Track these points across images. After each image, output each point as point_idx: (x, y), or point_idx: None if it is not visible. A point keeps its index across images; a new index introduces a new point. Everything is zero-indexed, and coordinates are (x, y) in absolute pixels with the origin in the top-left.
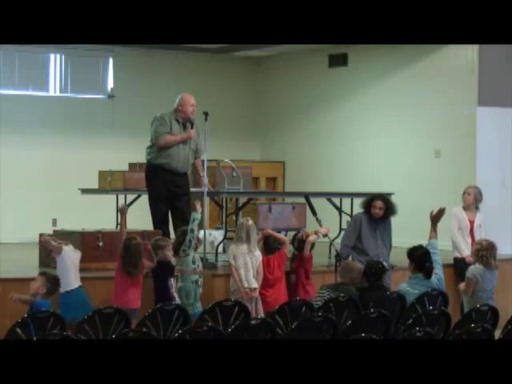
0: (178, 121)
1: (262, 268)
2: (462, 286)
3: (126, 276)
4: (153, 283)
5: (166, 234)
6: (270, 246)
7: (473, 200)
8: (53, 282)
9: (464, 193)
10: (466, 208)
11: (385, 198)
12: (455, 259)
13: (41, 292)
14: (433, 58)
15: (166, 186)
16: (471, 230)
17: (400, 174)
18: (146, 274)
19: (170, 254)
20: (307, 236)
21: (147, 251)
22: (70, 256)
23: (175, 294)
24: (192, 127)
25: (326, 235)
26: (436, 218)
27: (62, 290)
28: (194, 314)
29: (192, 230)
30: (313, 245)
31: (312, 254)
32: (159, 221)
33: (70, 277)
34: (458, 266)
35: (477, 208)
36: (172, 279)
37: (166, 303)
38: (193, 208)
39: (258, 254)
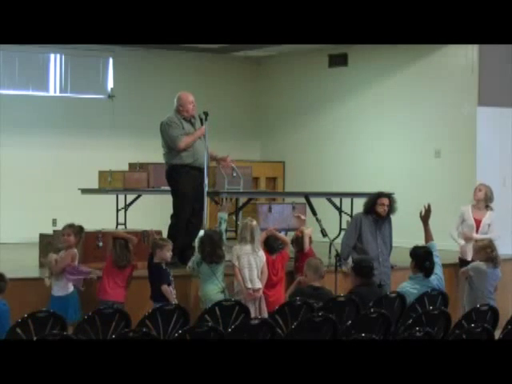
0: (185, 119)
1: (266, 268)
2: (461, 273)
3: (114, 270)
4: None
5: (181, 237)
6: (270, 245)
7: (483, 196)
8: (2, 280)
9: (475, 189)
10: (475, 206)
11: (389, 195)
12: (460, 260)
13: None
14: (433, 58)
15: (195, 184)
16: (477, 229)
17: (400, 173)
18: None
19: (168, 254)
20: (301, 232)
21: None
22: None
23: (175, 301)
24: (202, 124)
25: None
26: (426, 216)
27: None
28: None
29: (225, 231)
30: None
31: (312, 249)
32: (182, 224)
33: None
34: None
35: (487, 207)
36: (170, 286)
37: (165, 303)
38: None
39: (262, 254)
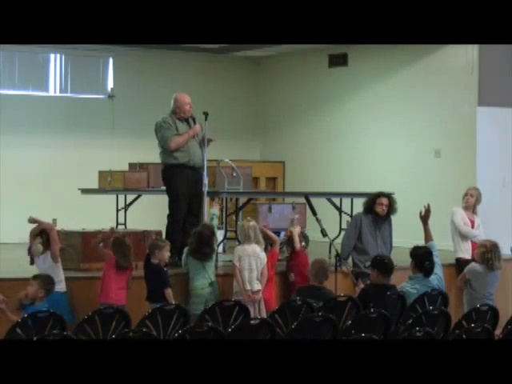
0: (180, 120)
1: (266, 270)
2: (458, 280)
3: (115, 272)
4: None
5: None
6: None
7: (474, 202)
8: (49, 282)
9: (466, 194)
10: (465, 208)
11: (389, 195)
12: (457, 260)
13: (39, 295)
14: (433, 58)
15: (188, 183)
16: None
17: (400, 174)
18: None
19: (167, 255)
20: (291, 232)
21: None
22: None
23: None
24: (194, 122)
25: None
26: (426, 216)
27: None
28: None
29: (216, 227)
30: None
31: (306, 250)
32: (179, 224)
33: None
34: (461, 267)
35: (474, 210)
36: (169, 289)
37: (165, 303)
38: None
39: (264, 255)
